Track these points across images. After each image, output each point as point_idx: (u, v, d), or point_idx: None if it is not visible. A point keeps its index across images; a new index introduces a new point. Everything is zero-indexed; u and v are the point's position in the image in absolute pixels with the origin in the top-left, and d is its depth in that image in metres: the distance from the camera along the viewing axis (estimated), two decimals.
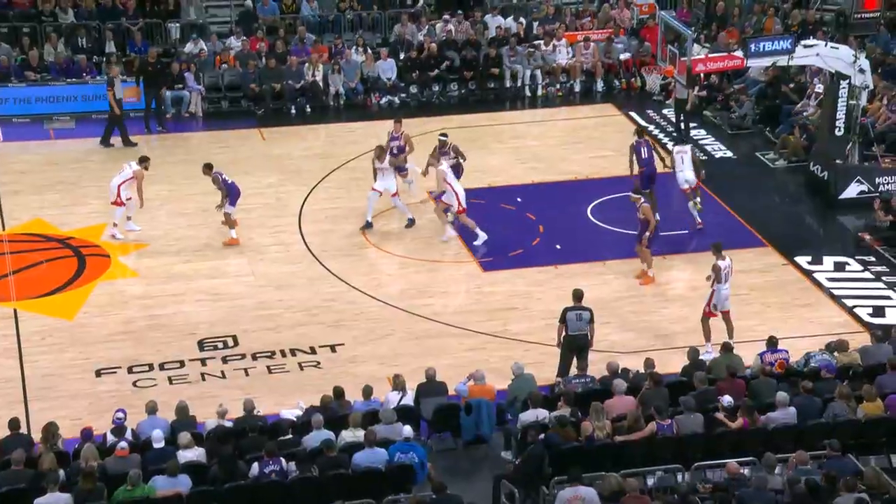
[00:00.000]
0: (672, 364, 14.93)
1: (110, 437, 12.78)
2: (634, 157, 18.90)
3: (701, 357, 14.56)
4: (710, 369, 14.06)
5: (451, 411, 13.46)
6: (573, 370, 14.56)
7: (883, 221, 18.72)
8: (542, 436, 12.48)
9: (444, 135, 19.20)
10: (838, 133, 19.66)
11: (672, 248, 18.34)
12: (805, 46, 19.13)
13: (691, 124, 23.03)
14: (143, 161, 18.99)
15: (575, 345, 14.66)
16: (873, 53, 22.55)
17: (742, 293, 16.91)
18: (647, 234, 17.16)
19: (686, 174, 18.62)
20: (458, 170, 19.05)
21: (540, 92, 25.10)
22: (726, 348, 14.43)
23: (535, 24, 26.46)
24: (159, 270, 17.92)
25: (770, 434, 12.88)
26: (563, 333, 14.70)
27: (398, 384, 13.72)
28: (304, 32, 25.42)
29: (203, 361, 15.58)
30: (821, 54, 19.16)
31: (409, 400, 13.60)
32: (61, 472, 11.92)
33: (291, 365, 15.52)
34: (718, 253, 15.61)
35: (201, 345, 15.95)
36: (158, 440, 12.47)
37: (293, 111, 24.28)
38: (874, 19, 20.45)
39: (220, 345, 15.96)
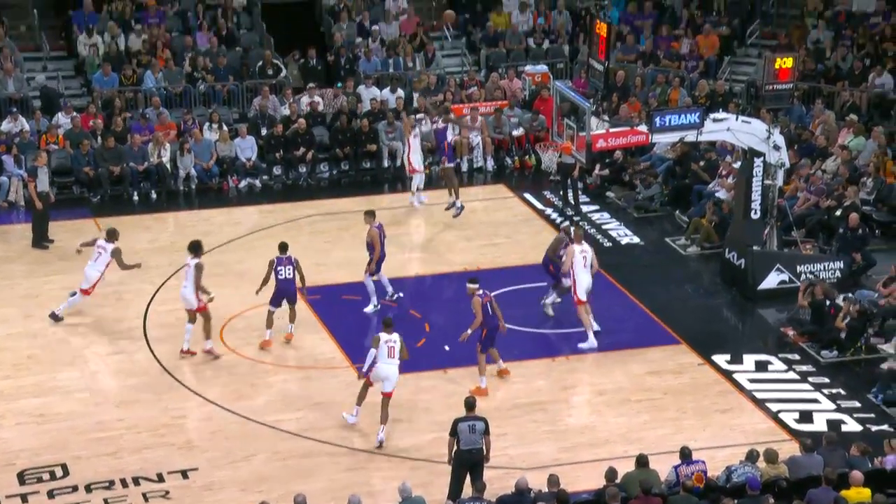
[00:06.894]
0: (580, 481, 15.07)
1: None
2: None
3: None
4: (623, 486, 14.22)
5: None
6: (467, 491, 14.57)
7: (804, 308, 19.37)
8: None
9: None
10: (754, 216, 20.40)
11: (574, 349, 18.64)
12: (714, 120, 19.83)
13: (594, 207, 23.66)
14: (113, 236, 19.36)
15: (468, 461, 14.70)
16: (786, 127, 23.62)
17: (655, 397, 17.25)
18: (469, 330, 17.31)
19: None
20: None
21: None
22: (640, 462, 14.61)
23: (416, 95, 26.98)
24: None
25: None
26: (455, 448, 14.74)
27: None
28: (157, 104, 25.30)
29: (24, 497, 15.12)
30: (732, 129, 19.90)
31: None
32: None
33: (134, 496, 15.19)
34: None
35: (22, 477, 15.50)
36: None
37: (136, 197, 24.14)
38: (787, 91, 21.46)
39: (47, 476, 15.52)
